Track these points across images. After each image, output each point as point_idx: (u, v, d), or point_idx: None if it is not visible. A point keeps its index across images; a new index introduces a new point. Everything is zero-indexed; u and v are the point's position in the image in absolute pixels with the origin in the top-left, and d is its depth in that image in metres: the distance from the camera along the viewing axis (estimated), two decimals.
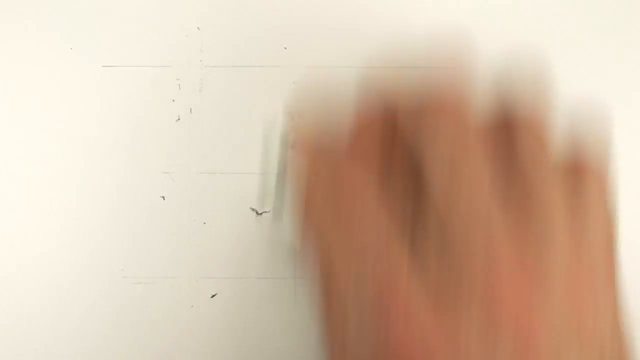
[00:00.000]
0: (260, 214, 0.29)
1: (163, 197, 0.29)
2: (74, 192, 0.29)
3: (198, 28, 0.29)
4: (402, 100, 0.22)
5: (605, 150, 0.22)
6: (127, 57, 0.29)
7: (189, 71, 0.29)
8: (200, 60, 0.29)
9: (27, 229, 0.29)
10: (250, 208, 0.29)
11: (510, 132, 0.20)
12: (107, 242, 0.29)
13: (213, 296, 0.29)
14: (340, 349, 0.18)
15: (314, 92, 0.25)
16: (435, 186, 0.18)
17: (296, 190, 0.22)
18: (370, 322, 0.17)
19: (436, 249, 0.18)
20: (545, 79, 0.22)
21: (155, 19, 0.29)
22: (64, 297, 0.29)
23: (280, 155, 0.27)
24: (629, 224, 0.30)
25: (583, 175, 0.20)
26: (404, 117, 0.21)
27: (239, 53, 0.29)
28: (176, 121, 0.29)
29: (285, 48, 0.29)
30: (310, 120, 0.24)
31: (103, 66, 0.29)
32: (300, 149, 0.22)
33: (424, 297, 0.17)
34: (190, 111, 0.29)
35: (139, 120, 0.29)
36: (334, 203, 0.20)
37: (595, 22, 0.30)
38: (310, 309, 0.29)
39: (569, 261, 0.18)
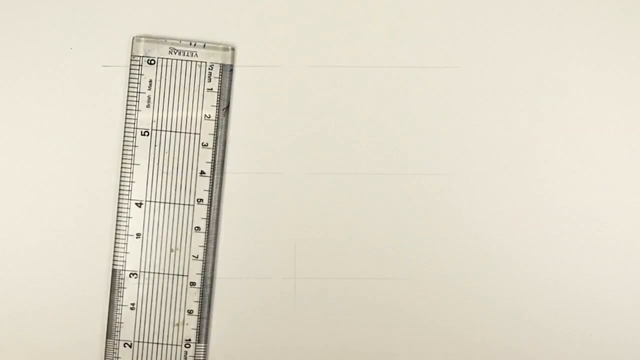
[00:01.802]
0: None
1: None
2: (73, 191, 0.29)
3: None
4: None
5: None
6: (128, 57, 0.29)
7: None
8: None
9: (27, 229, 0.29)
10: None
11: None
12: (107, 243, 0.29)
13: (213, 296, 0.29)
14: None
15: None
16: None
17: None
18: None
19: None
20: None
21: (155, 19, 0.29)
22: (64, 297, 0.29)
23: None
24: (629, 223, 0.30)
25: None
26: None
27: (239, 53, 0.29)
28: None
29: (285, 48, 0.29)
30: None
31: (103, 66, 0.29)
32: None
33: None
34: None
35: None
36: None
37: (595, 22, 0.30)
38: (310, 309, 0.29)
39: None
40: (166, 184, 0.29)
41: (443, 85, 0.29)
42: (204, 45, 0.28)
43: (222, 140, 0.29)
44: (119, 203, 0.28)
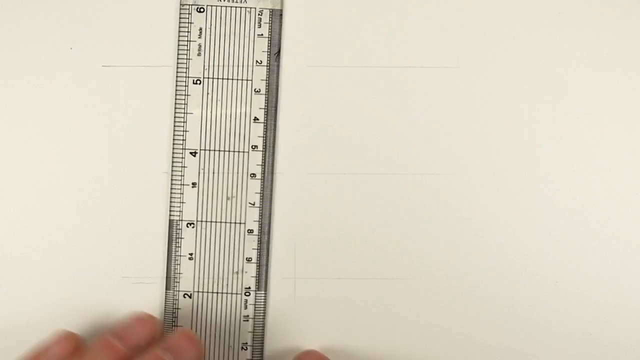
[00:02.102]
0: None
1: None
2: (73, 191, 0.29)
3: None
4: None
5: None
6: (127, 57, 0.29)
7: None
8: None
9: (27, 229, 0.29)
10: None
11: None
12: (107, 242, 0.29)
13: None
14: None
15: None
16: None
17: None
18: None
19: None
20: None
21: (155, 19, 0.29)
22: (64, 297, 0.29)
23: None
24: (629, 223, 0.30)
25: None
26: None
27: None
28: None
29: (284, 48, 0.29)
30: None
31: (103, 66, 0.29)
32: None
33: None
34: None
35: (139, 120, 0.29)
36: None
37: (596, 23, 0.30)
38: (310, 309, 0.29)
39: None
40: (220, 132, 0.29)
41: (443, 85, 0.29)
42: None
43: (274, 85, 0.29)
44: (173, 153, 0.28)
